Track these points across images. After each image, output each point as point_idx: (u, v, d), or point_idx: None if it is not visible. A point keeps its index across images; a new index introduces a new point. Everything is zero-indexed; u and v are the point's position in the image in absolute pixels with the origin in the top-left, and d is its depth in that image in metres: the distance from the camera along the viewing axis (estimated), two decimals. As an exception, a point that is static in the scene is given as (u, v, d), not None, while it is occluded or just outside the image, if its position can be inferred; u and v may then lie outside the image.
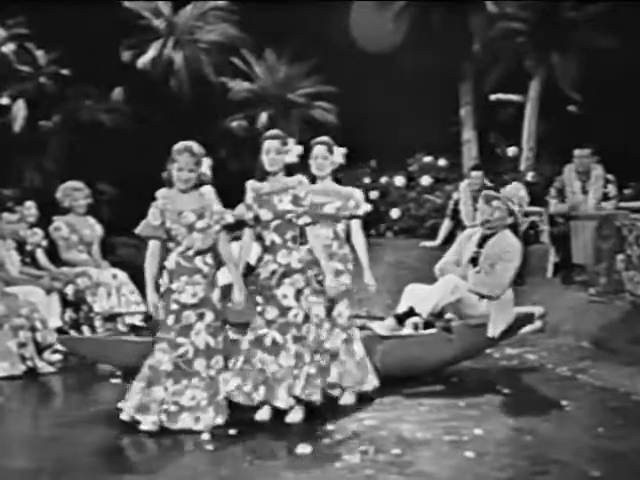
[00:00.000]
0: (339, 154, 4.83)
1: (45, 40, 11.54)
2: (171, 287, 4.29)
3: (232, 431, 4.22)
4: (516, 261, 5.29)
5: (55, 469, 3.81)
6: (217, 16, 13.17)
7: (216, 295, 4.35)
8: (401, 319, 5.22)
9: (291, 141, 4.51)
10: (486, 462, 3.74)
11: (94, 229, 7.11)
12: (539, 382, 5.11)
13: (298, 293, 4.40)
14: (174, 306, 4.28)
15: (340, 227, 4.81)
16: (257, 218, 4.46)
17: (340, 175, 4.94)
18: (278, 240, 4.43)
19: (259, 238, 4.53)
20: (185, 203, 4.32)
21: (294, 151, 4.50)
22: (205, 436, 4.16)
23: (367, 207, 4.86)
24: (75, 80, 11.78)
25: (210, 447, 4.03)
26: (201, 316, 4.29)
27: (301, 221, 4.42)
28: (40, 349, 5.89)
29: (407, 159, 11.91)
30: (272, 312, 4.40)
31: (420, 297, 5.22)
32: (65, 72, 11.79)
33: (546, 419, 4.48)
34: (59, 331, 6.24)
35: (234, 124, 12.87)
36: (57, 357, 5.95)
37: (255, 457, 3.88)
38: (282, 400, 4.35)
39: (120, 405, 4.34)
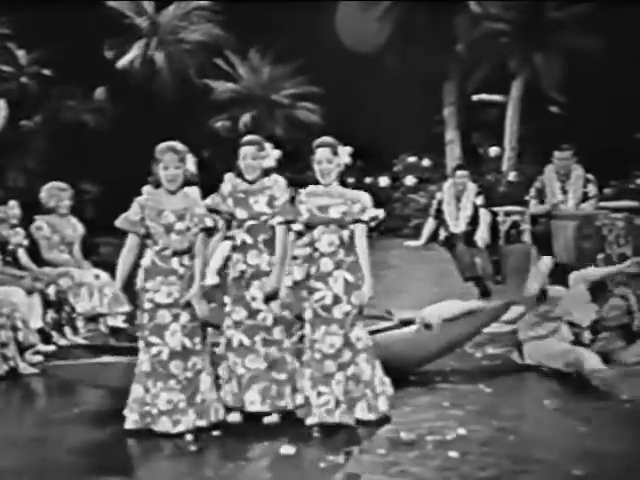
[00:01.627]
0: (345, 154, 4.39)
1: (27, 40, 11.46)
2: (145, 286, 4.26)
3: (216, 432, 4.21)
4: None
5: (38, 469, 3.80)
6: (201, 16, 13.15)
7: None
8: None
9: (268, 146, 4.47)
10: (470, 462, 3.75)
11: (76, 229, 7.06)
12: (522, 382, 5.14)
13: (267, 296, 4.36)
14: (148, 305, 4.26)
15: (346, 233, 4.36)
16: (232, 215, 4.42)
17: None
18: (249, 240, 4.39)
19: (228, 237, 4.47)
20: (167, 203, 4.31)
21: (272, 156, 4.46)
22: (189, 437, 4.14)
23: (374, 212, 4.40)
24: (57, 80, 11.71)
25: (193, 448, 4.02)
26: (176, 317, 4.26)
27: (275, 220, 4.38)
28: (21, 349, 5.84)
29: (392, 159, 11.96)
30: (240, 313, 4.37)
31: None
32: (47, 72, 11.72)
33: (529, 419, 4.51)
34: (40, 332, 6.20)
35: (218, 124, 12.85)
36: (38, 358, 5.90)
37: (239, 458, 3.88)
38: (255, 404, 4.33)
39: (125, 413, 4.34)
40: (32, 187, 7.72)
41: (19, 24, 11.10)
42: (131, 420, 4.23)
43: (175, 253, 4.27)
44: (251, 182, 4.44)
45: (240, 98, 13.03)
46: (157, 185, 4.36)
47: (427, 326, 5.31)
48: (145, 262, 4.29)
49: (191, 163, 4.41)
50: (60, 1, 10.92)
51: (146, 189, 4.38)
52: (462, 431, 4.15)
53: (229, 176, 4.52)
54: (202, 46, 12.89)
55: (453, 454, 3.83)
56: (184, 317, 4.27)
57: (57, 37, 10.70)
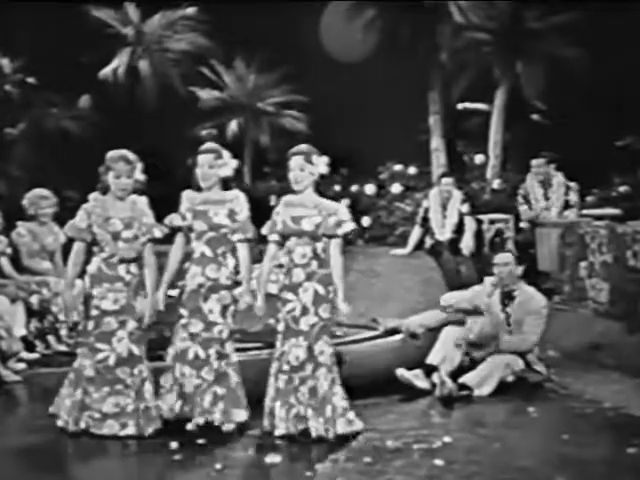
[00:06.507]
0: (321, 163, 4.33)
1: (10, 48, 11.43)
2: (92, 292, 4.27)
3: (201, 440, 4.20)
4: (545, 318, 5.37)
5: (21, 478, 3.77)
6: (186, 25, 13.15)
7: (139, 303, 4.31)
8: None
9: (226, 154, 4.45)
10: (455, 470, 3.76)
11: (57, 238, 6.99)
12: (506, 390, 5.16)
13: (224, 309, 4.35)
14: (94, 312, 4.26)
15: (320, 246, 4.27)
16: (190, 229, 4.40)
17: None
18: (209, 253, 4.36)
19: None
20: (115, 210, 4.32)
21: (230, 165, 4.44)
22: (173, 445, 4.12)
23: (349, 227, 4.29)
24: (41, 88, 11.68)
25: (178, 457, 4.00)
26: (123, 323, 4.27)
27: (235, 237, 4.38)
28: (5, 357, 5.80)
29: (377, 167, 11.99)
30: (197, 326, 4.34)
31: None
32: (31, 80, 11.68)
33: (513, 426, 4.53)
34: (24, 340, 6.16)
35: (204, 132, 12.86)
36: (22, 366, 5.87)
37: (224, 466, 3.87)
38: (205, 413, 4.31)
39: (51, 411, 4.34)
40: (15, 195, 7.67)
41: (2, 32, 11.07)
42: (65, 421, 4.24)
43: (122, 261, 4.28)
44: (205, 189, 4.41)
45: (226, 106, 13.05)
46: (104, 192, 4.36)
47: (413, 336, 5.32)
48: (91, 269, 4.30)
49: (139, 172, 4.41)
50: (44, 9, 10.91)
51: (92, 196, 4.38)
52: (448, 439, 4.16)
53: (186, 193, 4.49)
54: (187, 55, 12.91)
55: (439, 462, 3.83)
56: (131, 324, 4.28)
57: (41, 45, 10.69)
